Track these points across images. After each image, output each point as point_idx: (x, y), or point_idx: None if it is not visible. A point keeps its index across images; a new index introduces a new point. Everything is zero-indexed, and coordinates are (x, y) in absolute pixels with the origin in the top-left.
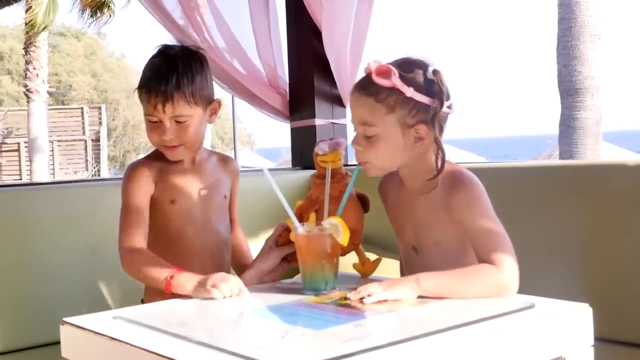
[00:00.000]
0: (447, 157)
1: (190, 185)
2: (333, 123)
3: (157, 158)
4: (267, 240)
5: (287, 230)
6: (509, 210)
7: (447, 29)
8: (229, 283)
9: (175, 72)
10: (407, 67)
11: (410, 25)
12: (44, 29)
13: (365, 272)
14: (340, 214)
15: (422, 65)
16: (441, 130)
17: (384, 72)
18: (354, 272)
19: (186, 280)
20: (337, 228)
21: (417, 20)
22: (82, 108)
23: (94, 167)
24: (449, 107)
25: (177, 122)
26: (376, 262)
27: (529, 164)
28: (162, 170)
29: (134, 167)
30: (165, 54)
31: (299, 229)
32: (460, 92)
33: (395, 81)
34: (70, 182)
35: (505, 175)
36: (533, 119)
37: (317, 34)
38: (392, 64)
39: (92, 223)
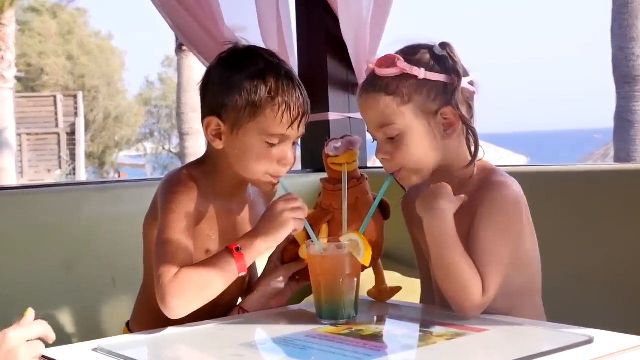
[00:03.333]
0: (483, 156)
1: (234, 231)
2: (350, 117)
3: (205, 176)
4: (270, 258)
5: (293, 243)
6: (557, 225)
7: (478, 7)
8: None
9: (302, 89)
10: (410, 50)
11: (437, 6)
12: (10, 3)
13: (381, 299)
14: (363, 231)
15: (427, 45)
16: (470, 109)
17: (387, 61)
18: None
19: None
20: (358, 245)
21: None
22: (55, 96)
23: (69, 165)
24: (471, 83)
25: (294, 143)
26: (395, 290)
27: (581, 168)
28: (208, 199)
29: (184, 181)
30: (274, 64)
31: (317, 247)
32: (493, 79)
33: (402, 65)
34: (41, 186)
35: (552, 181)
36: (578, 110)
37: (330, 10)
38: (396, 53)
39: (68, 235)
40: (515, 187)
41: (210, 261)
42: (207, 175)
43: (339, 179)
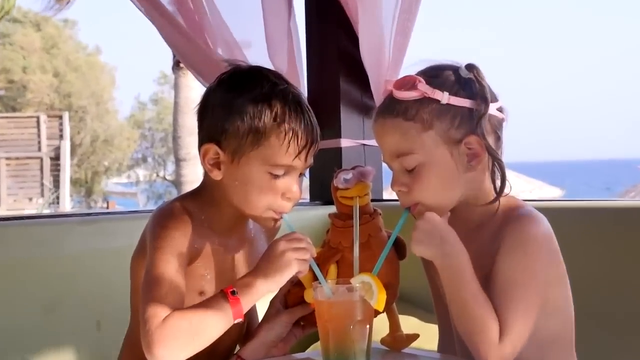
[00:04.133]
0: (509, 191)
1: (231, 271)
2: (364, 145)
3: (201, 209)
4: (272, 302)
5: (298, 285)
6: (593, 266)
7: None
8: None
9: (311, 115)
10: (433, 71)
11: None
12: (2, 16)
13: (396, 348)
14: (377, 272)
15: (451, 66)
16: (498, 139)
17: (407, 83)
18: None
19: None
20: (371, 288)
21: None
22: (38, 117)
23: (52, 193)
24: (500, 110)
25: (301, 174)
26: (411, 338)
27: (621, 204)
28: (204, 234)
29: (177, 214)
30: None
31: (324, 290)
32: (525, 103)
33: (424, 88)
34: (19, 218)
35: (587, 218)
36: (616, 137)
37: (344, 24)
38: (417, 74)
39: (49, 273)
40: (543, 223)
41: (203, 306)
42: (203, 208)
43: (350, 214)
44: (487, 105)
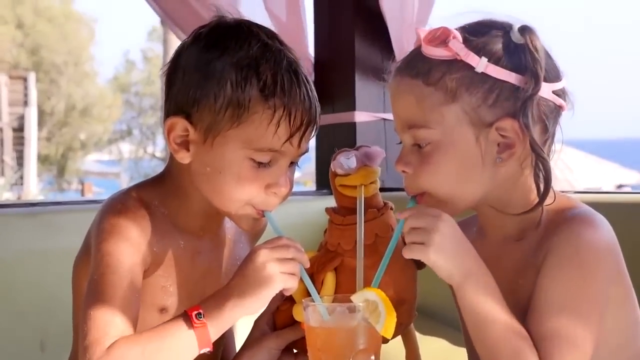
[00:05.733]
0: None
1: (202, 282)
2: (385, 119)
3: (163, 202)
4: (256, 322)
5: (289, 300)
6: None
7: None
8: None
9: (309, 87)
10: (476, 28)
11: None
12: None
13: None
14: (377, 284)
15: (503, 25)
16: (545, 131)
17: (439, 37)
18: None
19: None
20: (377, 308)
21: None
22: None
23: (15, 172)
24: (560, 93)
25: (292, 163)
26: None
27: None
28: (167, 235)
29: (131, 209)
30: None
31: (319, 311)
32: (604, 69)
33: (456, 47)
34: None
35: None
36: None
37: None
38: (457, 29)
39: (42, 297)
40: (604, 227)
41: (160, 331)
42: (166, 200)
43: (351, 207)
44: (537, 84)
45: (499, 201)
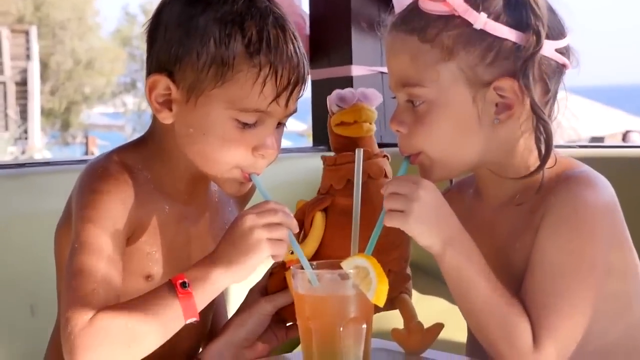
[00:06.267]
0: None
1: (187, 249)
2: (383, 73)
3: (147, 166)
4: (251, 289)
5: (283, 265)
6: None
7: None
8: None
9: (297, 44)
10: None
11: None
12: None
13: (412, 347)
14: (371, 252)
15: None
16: (546, 91)
17: None
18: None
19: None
20: (368, 275)
21: None
22: None
23: (19, 126)
24: (564, 50)
25: (280, 124)
26: (433, 331)
27: None
28: (151, 200)
29: (112, 173)
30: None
31: (308, 278)
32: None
33: (454, 2)
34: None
35: None
36: None
37: None
38: None
39: (31, 261)
40: (604, 188)
41: (144, 301)
42: (149, 163)
43: (344, 148)
44: (538, 42)
45: (496, 164)
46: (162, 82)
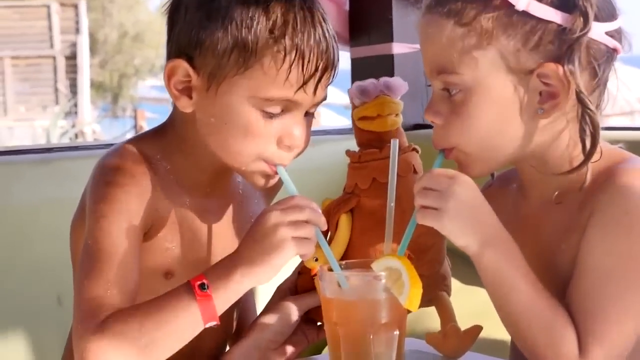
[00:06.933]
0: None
1: (209, 246)
2: None
3: (166, 156)
4: (279, 287)
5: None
6: None
7: None
8: None
9: (326, 27)
10: None
11: None
12: None
13: (448, 352)
14: (403, 252)
15: None
16: (595, 77)
17: None
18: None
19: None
20: (400, 278)
21: None
22: (48, 6)
23: (69, 100)
24: (614, 34)
25: (308, 113)
26: (471, 334)
27: None
28: (170, 192)
29: (128, 165)
30: None
31: (338, 280)
32: None
33: None
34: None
35: None
36: None
37: None
38: None
39: (58, 249)
40: None
41: (160, 304)
42: (168, 154)
43: (368, 143)
44: (586, 25)
45: (538, 159)
46: (182, 67)
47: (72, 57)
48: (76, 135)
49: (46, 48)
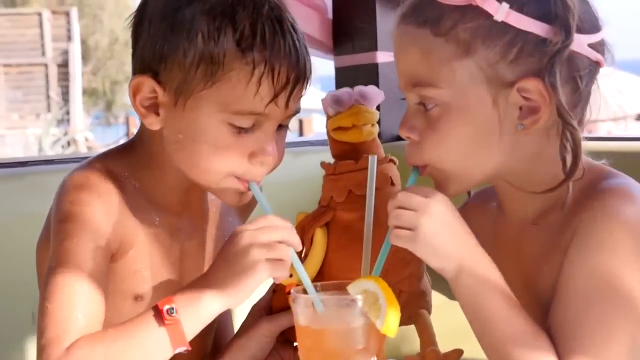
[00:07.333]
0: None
1: (181, 266)
2: None
3: (134, 174)
4: (253, 307)
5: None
6: None
7: None
8: None
9: (296, 37)
10: None
11: None
12: None
13: None
14: (379, 272)
15: None
16: (576, 91)
17: None
18: None
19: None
20: (377, 301)
21: None
22: (39, 13)
23: (61, 108)
24: (597, 46)
25: (281, 127)
26: (451, 358)
27: None
28: (139, 211)
29: (94, 183)
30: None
31: (313, 303)
32: None
33: None
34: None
35: None
36: None
37: None
38: None
39: (32, 265)
40: None
41: (127, 329)
42: (138, 171)
43: (343, 154)
44: (568, 36)
45: (517, 176)
46: (147, 84)
47: (64, 65)
48: (68, 143)
49: (38, 56)
